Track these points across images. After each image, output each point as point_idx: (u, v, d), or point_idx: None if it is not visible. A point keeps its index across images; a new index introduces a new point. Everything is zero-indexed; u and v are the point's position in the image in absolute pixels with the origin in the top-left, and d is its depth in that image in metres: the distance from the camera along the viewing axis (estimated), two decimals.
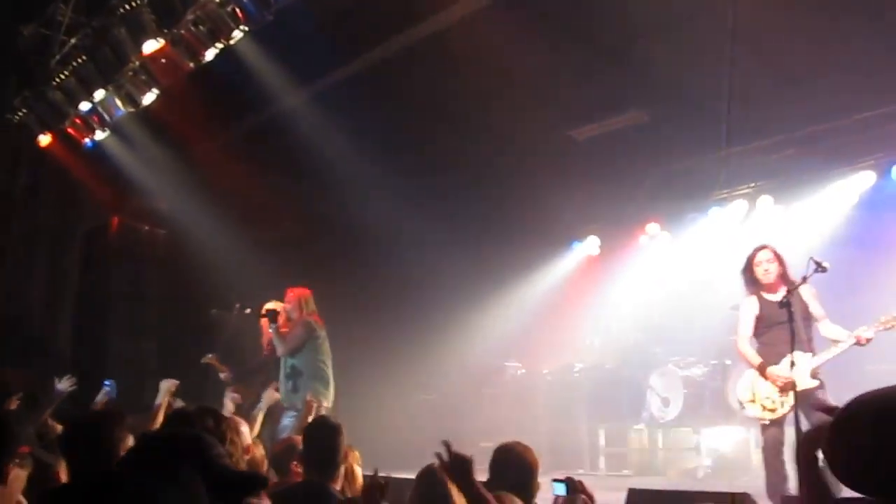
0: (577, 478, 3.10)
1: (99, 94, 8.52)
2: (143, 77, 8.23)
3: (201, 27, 7.48)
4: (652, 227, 10.19)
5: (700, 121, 8.57)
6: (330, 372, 7.17)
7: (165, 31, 7.53)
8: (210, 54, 7.60)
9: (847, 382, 5.19)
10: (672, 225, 10.07)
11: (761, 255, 5.80)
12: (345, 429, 3.92)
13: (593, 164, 9.67)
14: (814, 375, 5.43)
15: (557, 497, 2.90)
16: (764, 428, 5.59)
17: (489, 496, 2.91)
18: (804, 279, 5.11)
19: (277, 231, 10.52)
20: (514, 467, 3.39)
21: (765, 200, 9.13)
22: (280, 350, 7.15)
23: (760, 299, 5.77)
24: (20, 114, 9.28)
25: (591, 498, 2.94)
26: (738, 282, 8.71)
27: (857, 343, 5.34)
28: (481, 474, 3.95)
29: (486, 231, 10.56)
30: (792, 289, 5.31)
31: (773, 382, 5.50)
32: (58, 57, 8.63)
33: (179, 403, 5.15)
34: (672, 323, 9.17)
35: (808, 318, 5.60)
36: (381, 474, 3.63)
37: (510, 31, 7.36)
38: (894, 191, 8.31)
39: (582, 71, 8.12)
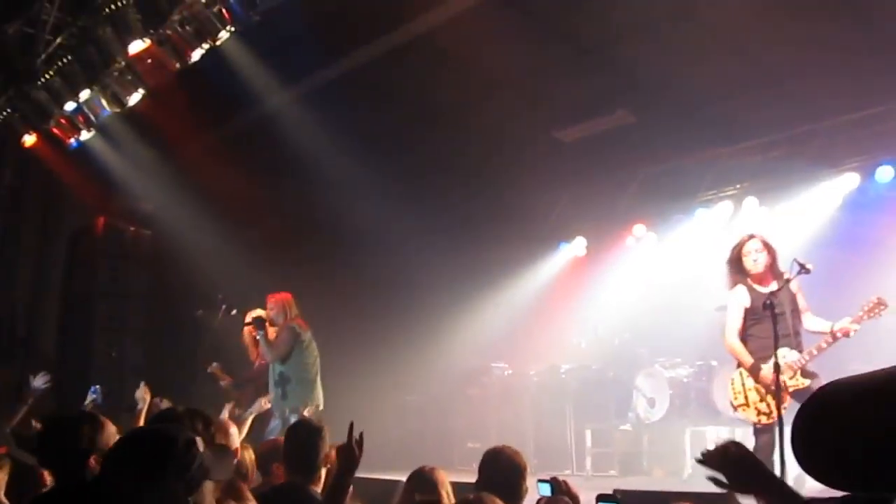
0: (562, 478, 3.10)
1: (84, 94, 8.45)
2: (129, 77, 8.18)
3: (187, 27, 7.44)
4: (638, 229, 10.23)
5: (686, 122, 8.63)
6: (316, 375, 7.18)
7: (151, 31, 7.48)
8: (196, 55, 7.55)
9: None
10: (658, 226, 10.11)
11: (750, 245, 5.62)
12: (331, 429, 3.92)
13: (580, 166, 9.70)
14: (805, 373, 5.35)
15: (542, 497, 2.90)
16: (757, 431, 5.46)
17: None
18: (787, 281, 5.12)
19: (263, 231, 10.50)
20: (503, 470, 3.39)
21: (750, 202, 9.18)
22: (269, 357, 7.15)
23: (750, 290, 5.58)
24: (4, 113, 9.20)
25: (575, 499, 2.95)
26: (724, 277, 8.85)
27: (844, 335, 5.27)
28: (469, 475, 3.96)
29: (473, 231, 10.57)
30: (781, 284, 5.28)
31: (764, 387, 5.38)
32: (43, 56, 8.55)
33: (166, 404, 5.13)
34: (658, 324, 9.20)
35: (797, 310, 5.50)
36: (363, 475, 3.63)
37: (496, 32, 7.38)
38: (878, 193, 8.37)
39: (568, 72, 8.15)
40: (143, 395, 5.43)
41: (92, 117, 8.76)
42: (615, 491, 4.12)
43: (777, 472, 4.87)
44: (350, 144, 8.82)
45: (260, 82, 8.32)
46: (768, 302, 4.91)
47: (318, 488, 3.58)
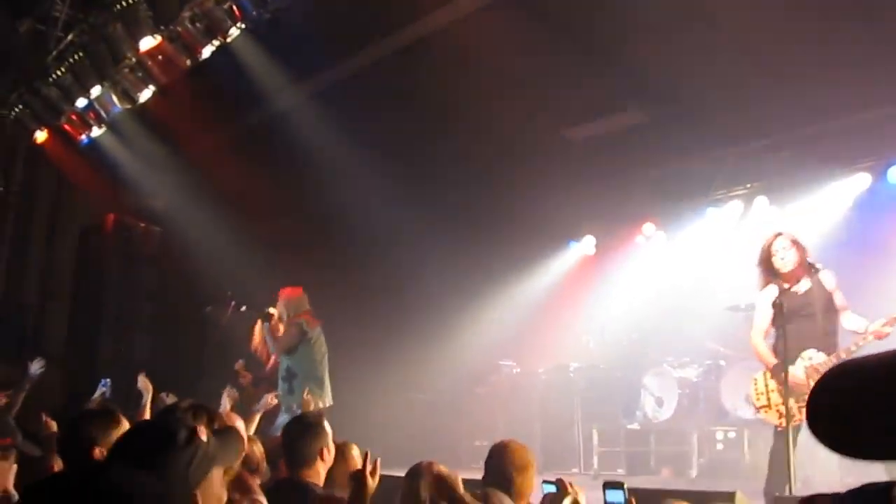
0: (568, 478, 3.08)
1: (95, 91, 8.50)
2: (140, 74, 8.22)
3: (198, 24, 7.47)
4: (648, 228, 10.21)
5: (697, 122, 8.60)
6: (325, 371, 7.18)
7: (162, 27, 7.52)
8: (207, 52, 7.59)
9: None
10: (668, 225, 10.08)
11: (777, 243, 5.47)
12: (338, 426, 3.93)
13: (591, 165, 9.67)
14: None
15: (546, 494, 2.88)
16: (777, 434, 5.31)
17: None
18: (797, 280, 5.08)
19: (273, 229, 10.51)
20: (509, 465, 3.39)
21: (760, 201, 9.14)
22: (273, 351, 7.19)
23: (781, 290, 5.41)
24: (15, 110, 9.26)
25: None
26: (734, 283, 8.82)
27: (877, 337, 5.11)
28: (477, 473, 3.96)
29: (483, 230, 10.57)
30: (784, 289, 5.23)
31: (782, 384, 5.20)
32: (54, 53, 8.61)
33: (172, 399, 5.15)
34: (667, 323, 9.18)
35: (831, 309, 5.34)
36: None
37: (507, 31, 7.37)
38: (890, 193, 8.32)
39: (579, 71, 8.13)
40: (144, 385, 5.48)
41: (102, 114, 8.81)
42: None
43: (783, 476, 4.82)
44: (360, 143, 8.83)
45: (270, 80, 8.34)
46: (778, 301, 4.86)
47: (318, 481, 3.58)
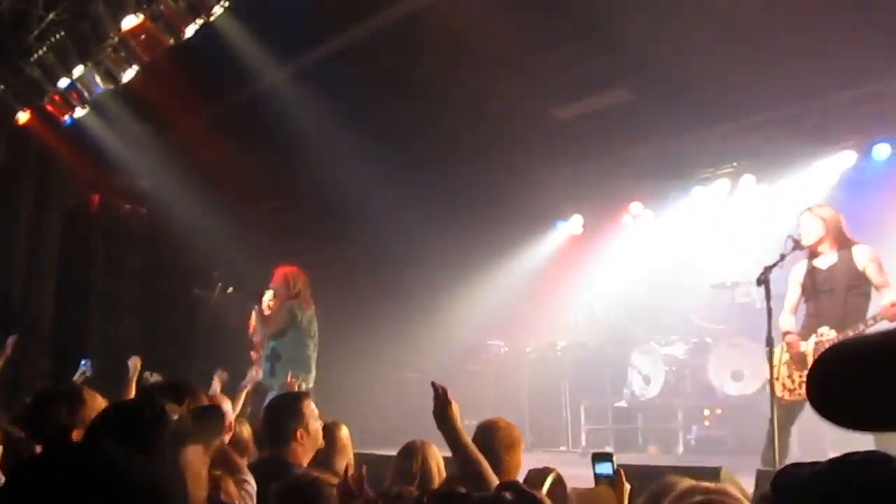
0: (556, 455, 3.09)
1: (78, 71, 8.40)
2: (123, 53, 8.12)
3: (181, 2, 7.38)
4: (635, 206, 10.24)
5: (683, 100, 8.59)
6: (312, 354, 7.06)
7: (145, 6, 7.43)
8: (190, 30, 7.50)
9: None
10: (655, 204, 10.12)
11: (802, 219, 5.42)
12: (327, 405, 3.95)
13: (578, 143, 9.67)
14: None
15: (530, 471, 2.85)
16: (779, 404, 5.15)
17: (468, 442, 2.93)
18: (782, 257, 5.09)
19: (260, 209, 10.47)
20: (497, 444, 3.41)
21: (747, 179, 9.18)
22: (261, 332, 7.13)
23: (808, 266, 5.41)
24: None
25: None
26: (721, 261, 8.87)
27: (888, 318, 4.97)
28: None
29: (471, 209, 10.56)
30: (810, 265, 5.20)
31: (795, 363, 5.26)
32: (35, 32, 8.49)
33: (156, 378, 5.15)
34: (654, 301, 9.24)
35: (859, 286, 5.21)
36: (361, 451, 3.64)
37: (495, 8, 7.31)
38: (875, 170, 8.37)
39: (565, 49, 8.10)
40: (134, 364, 5.52)
41: (86, 94, 8.71)
42: None
43: (772, 450, 4.83)
44: (347, 122, 8.77)
45: (255, 58, 8.25)
46: (762, 277, 4.85)
47: (298, 460, 3.59)
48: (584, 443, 8.69)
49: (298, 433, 3.65)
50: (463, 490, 2.42)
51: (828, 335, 5.22)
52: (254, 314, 7.31)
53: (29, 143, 9.73)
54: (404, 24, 7.83)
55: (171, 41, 7.64)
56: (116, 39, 7.90)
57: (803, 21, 7.13)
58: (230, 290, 8.16)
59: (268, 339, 7.08)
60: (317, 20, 7.81)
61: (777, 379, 5.33)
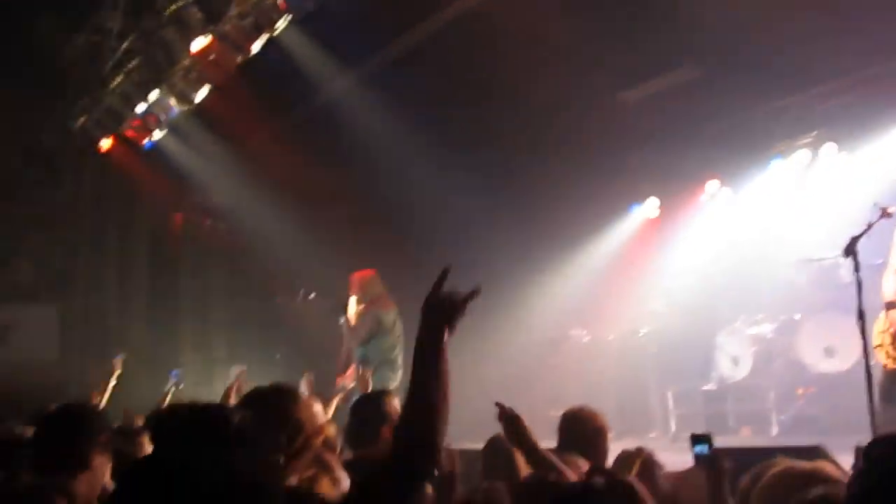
0: (646, 443, 3.07)
1: (153, 95, 8.72)
2: (194, 74, 8.40)
3: (246, 20, 7.58)
4: (712, 185, 9.99)
5: (753, 72, 8.36)
6: (399, 354, 7.25)
7: (212, 27, 7.65)
8: (257, 46, 7.71)
9: None
10: (733, 180, 9.84)
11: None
12: None
13: (648, 125, 9.50)
14: None
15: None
16: (885, 373, 5.24)
17: (545, 453, 2.92)
18: (869, 226, 4.91)
19: (335, 216, 10.65)
20: (582, 431, 3.41)
21: (828, 148, 8.85)
22: (351, 343, 7.32)
23: None
24: (81, 121, 9.57)
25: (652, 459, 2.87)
26: (805, 235, 8.58)
27: None
28: (553, 443, 3.98)
29: (543, 201, 10.50)
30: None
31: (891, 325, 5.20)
32: (111, 63, 8.85)
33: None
34: (737, 280, 9.01)
35: None
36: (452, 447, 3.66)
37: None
38: None
39: (629, 31, 7.98)
40: (237, 372, 5.70)
41: (162, 117, 9.03)
42: None
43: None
44: (413, 125, 8.85)
45: (320, 68, 8.41)
46: (850, 247, 4.69)
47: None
48: (673, 428, 8.56)
49: (384, 431, 3.70)
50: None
51: None
52: (342, 326, 7.49)
53: (112, 169, 10.14)
54: (463, 23, 7.85)
55: (240, 58, 7.85)
56: (187, 62, 8.17)
57: None
58: (312, 296, 8.33)
59: (357, 346, 7.26)
60: (377, 26, 7.91)
61: (881, 346, 5.23)
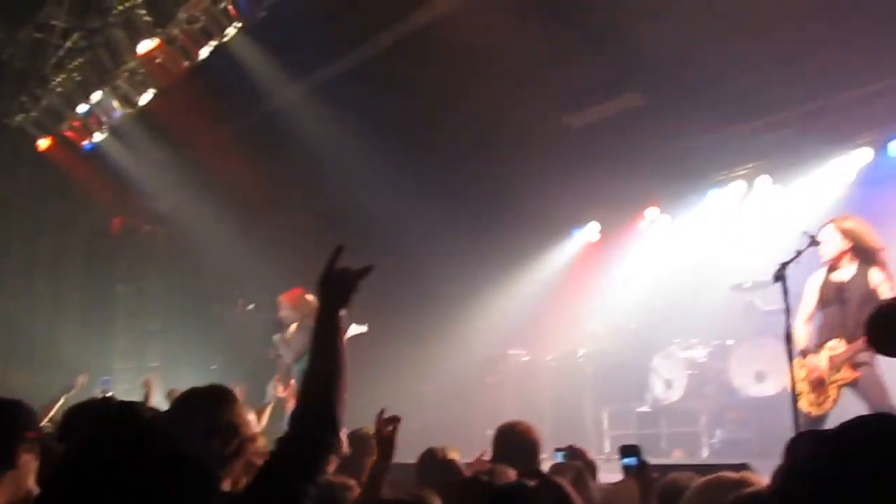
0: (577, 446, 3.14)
1: (96, 96, 8.57)
2: (139, 77, 8.28)
3: (195, 25, 7.52)
4: (651, 211, 10.22)
5: (695, 102, 8.59)
6: None
7: (159, 30, 7.57)
8: (204, 52, 7.65)
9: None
10: (672, 208, 10.09)
11: (822, 233, 5.42)
12: (347, 418, 3.97)
13: (591, 150, 9.67)
14: (855, 366, 5.18)
15: (554, 463, 2.93)
16: (807, 420, 5.20)
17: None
18: (798, 253, 5.08)
19: (278, 226, 10.55)
20: (516, 445, 3.44)
21: (763, 180, 9.15)
22: (287, 359, 7.28)
23: (825, 277, 5.47)
24: (18, 118, 9.32)
25: (591, 465, 2.97)
26: (739, 262, 8.83)
27: None
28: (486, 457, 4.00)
29: (486, 221, 10.58)
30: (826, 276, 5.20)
31: (808, 378, 5.29)
32: (53, 60, 8.67)
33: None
34: (674, 305, 9.19)
35: (872, 300, 5.12)
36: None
37: (502, 19, 7.38)
38: (891, 167, 8.32)
39: (576, 56, 8.13)
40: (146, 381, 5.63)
41: (104, 119, 8.87)
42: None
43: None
44: (361, 137, 8.85)
45: (269, 77, 8.36)
46: (779, 273, 4.83)
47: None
48: (607, 449, 8.66)
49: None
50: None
51: (838, 348, 5.28)
52: (278, 342, 7.45)
53: (49, 169, 9.90)
54: (415, 38, 7.90)
55: (187, 63, 7.77)
56: (133, 64, 8.06)
57: (815, 18, 7.12)
58: (251, 307, 8.24)
59: (294, 363, 7.22)
60: (329, 37, 7.91)
61: (802, 395, 5.33)
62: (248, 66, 8.07)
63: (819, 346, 5.40)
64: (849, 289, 5.33)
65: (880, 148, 8.38)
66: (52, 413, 5.70)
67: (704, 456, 7.98)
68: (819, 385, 5.33)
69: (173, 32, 7.54)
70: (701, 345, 8.66)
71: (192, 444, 1.42)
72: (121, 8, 7.66)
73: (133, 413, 1.49)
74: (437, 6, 7.57)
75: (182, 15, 7.45)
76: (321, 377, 2.01)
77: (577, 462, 2.87)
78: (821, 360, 5.34)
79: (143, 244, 10.98)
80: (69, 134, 9.28)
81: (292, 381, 7.30)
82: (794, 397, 4.93)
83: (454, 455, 3.80)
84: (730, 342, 8.42)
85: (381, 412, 3.17)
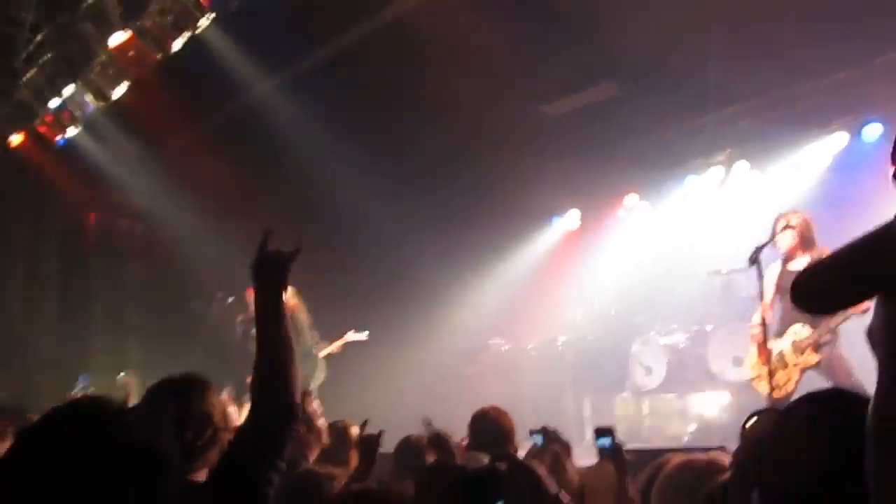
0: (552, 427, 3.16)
1: (68, 91, 8.45)
2: (112, 70, 8.17)
3: (167, 17, 7.43)
4: (631, 198, 10.25)
5: (672, 90, 8.61)
6: (316, 352, 7.31)
7: (131, 22, 7.47)
8: (177, 44, 7.55)
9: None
10: (651, 195, 10.14)
11: (777, 225, 5.68)
12: (328, 410, 3.96)
13: (570, 139, 9.69)
14: (817, 349, 5.36)
15: (532, 447, 2.94)
16: (771, 402, 5.40)
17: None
18: (773, 236, 5.16)
19: (256, 220, 10.46)
20: (490, 430, 3.44)
21: (741, 166, 9.20)
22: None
23: (782, 268, 5.71)
24: None
25: (566, 446, 2.99)
26: (717, 248, 8.88)
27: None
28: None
29: (465, 211, 10.58)
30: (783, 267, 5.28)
31: (766, 362, 5.43)
32: (23, 55, 8.54)
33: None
34: (653, 292, 9.24)
35: None
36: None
37: (477, 9, 7.35)
38: (865, 151, 8.38)
39: (549, 46, 8.12)
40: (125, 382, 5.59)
41: (77, 113, 8.75)
42: None
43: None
44: (337, 129, 8.80)
45: (244, 69, 8.29)
46: (753, 256, 4.89)
47: (304, 453, 3.60)
48: (589, 436, 8.68)
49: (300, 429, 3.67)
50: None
51: (801, 332, 5.47)
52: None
53: (23, 166, 9.76)
54: (390, 30, 7.86)
55: (159, 56, 7.68)
56: (105, 57, 7.95)
57: (786, 5, 7.15)
58: (230, 300, 8.19)
59: None
60: (303, 30, 7.85)
61: (761, 378, 5.49)
62: (222, 59, 7.99)
63: (782, 331, 5.57)
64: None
65: (855, 133, 8.45)
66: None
67: (685, 441, 8.03)
68: (782, 364, 5.50)
69: (145, 24, 7.44)
70: (680, 331, 8.71)
71: (147, 430, 1.40)
72: (91, 0, 7.55)
73: (93, 402, 1.46)
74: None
75: (154, 7, 7.35)
76: (270, 365, 2.00)
77: (555, 445, 2.87)
78: (784, 344, 5.44)
79: (120, 241, 10.86)
80: (42, 129, 9.14)
81: None
82: (771, 377, 5.01)
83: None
84: (709, 328, 8.46)
85: (365, 423, 3.15)
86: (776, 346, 5.54)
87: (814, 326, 5.39)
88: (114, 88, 8.27)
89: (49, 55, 8.33)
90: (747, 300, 7.50)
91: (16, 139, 9.26)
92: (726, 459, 2.15)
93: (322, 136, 8.87)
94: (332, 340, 7.95)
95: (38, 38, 8.38)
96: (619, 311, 9.40)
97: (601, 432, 2.75)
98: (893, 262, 1.44)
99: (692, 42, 7.86)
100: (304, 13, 7.55)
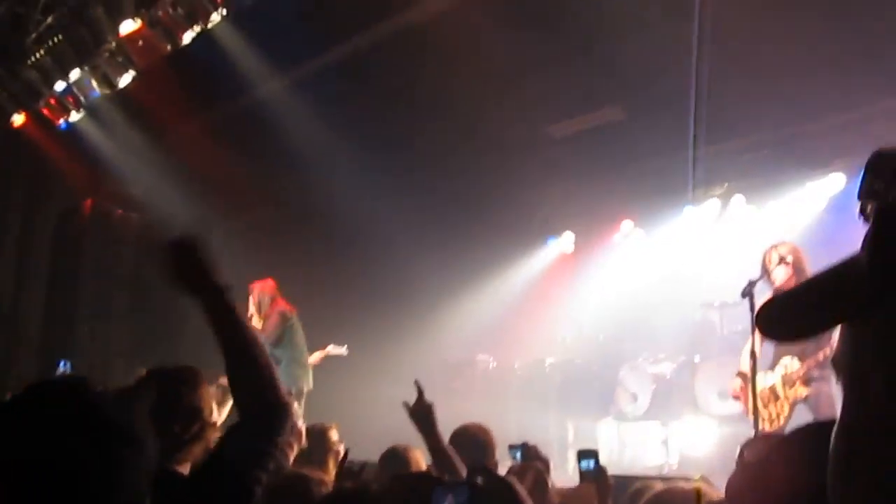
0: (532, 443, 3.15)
1: (74, 75, 8.44)
2: (120, 58, 8.17)
3: (179, 9, 7.44)
4: (626, 225, 10.28)
5: (675, 119, 8.64)
6: (306, 356, 7.33)
7: (143, 11, 7.48)
8: (188, 37, 7.56)
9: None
10: (646, 222, 10.16)
11: (768, 256, 5.62)
12: (313, 418, 3.95)
13: (570, 161, 9.71)
14: (806, 383, 5.36)
15: (513, 464, 2.93)
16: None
17: (446, 447, 2.95)
18: (765, 270, 5.18)
19: (252, 218, 10.47)
20: (471, 447, 3.43)
21: (737, 200, 9.24)
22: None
23: None
24: None
25: (545, 462, 2.98)
26: (710, 280, 8.90)
27: None
28: None
29: (462, 224, 10.57)
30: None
31: (761, 396, 5.42)
32: (33, 35, 8.53)
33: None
34: (643, 319, 9.24)
35: None
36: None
37: (488, 26, 7.38)
38: None
39: (558, 67, 8.16)
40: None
41: (82, 98, 8.74)
42: None
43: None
44: (341, 134, 8.81)
45: (253, 67, 8.30)
46: (746, 289, 4.90)
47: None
48: (571, 460, 8.65)
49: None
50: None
51: (791, 365, 5.44)
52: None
53: (23, 146, 9.74)
54: (401, 39, 7.89)
55: (169, 47, 7.69)
56: (114, 44, 7.96)
57: (796, 43, 7.20)
58: None
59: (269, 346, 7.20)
60: (315, 32, 7.87)
61: (750, 412, 5.46)
62: (231, 55, 8.00)
63: (773, 364, 5.56)
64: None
65: (852, 175, 8.49)
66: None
67: (665, 472, 8.01)
68: (773, 398, 5.47)
69: (157, 14, 7.45)
70: (668, 359, 8.70)
71: (123, 412, 1.38)
72: None
73: (67, 381, 1.44)
74: (426, 7, 7.56)
75: None
76: (244, 359, 1.89)
77: (537, 462, 2.86)
78: (775, 378, 5.45)
79: (115, 228, 10.83)
80: (45, 111, 9.12)
81: None
82: (756, 411, 5.02)
83: (417, 455, 3.78)
84: (697, 359, 8.46)
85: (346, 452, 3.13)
86: (768, 379, 5.53)
87: (802, 360, 5.39)
88: (120, 76, 8.27)
89: (58, 37, 8.32)
90: (737, 334, 7.54)
91: (18, 119, 9.24)
92: (709, 489, 2.14)
93: (326, 139, 8.88)
94: (312, 351, 7.92)
95: (49, 19, 8.37)
96: (608, 337, 9.39)
97: (584, 454, 2.75)
98: (855, 292, 1.46)
99: (698, 74, 7.90)
100: (316, 15, 7.58)
